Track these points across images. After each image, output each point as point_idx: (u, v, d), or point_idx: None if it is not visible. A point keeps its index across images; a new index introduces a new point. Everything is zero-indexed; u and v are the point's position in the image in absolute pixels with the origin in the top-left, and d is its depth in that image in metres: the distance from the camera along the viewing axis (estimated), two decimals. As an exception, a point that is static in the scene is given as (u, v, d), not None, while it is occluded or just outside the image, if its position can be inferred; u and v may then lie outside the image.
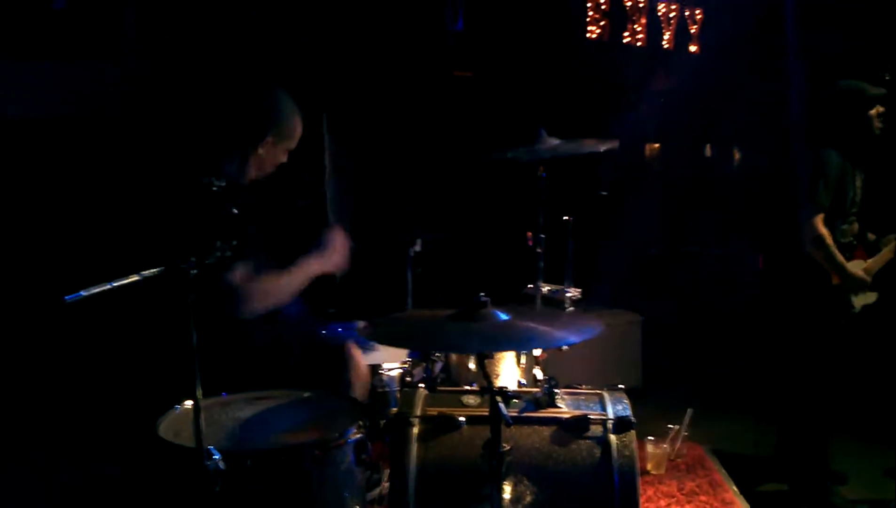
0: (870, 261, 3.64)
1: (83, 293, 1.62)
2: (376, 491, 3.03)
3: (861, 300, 3.63)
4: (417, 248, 3.64)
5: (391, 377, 3.12)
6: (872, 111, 3.60)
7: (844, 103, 3.62)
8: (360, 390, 2.90)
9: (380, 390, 3.09)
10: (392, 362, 3.17)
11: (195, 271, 1.82)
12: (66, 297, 1.60)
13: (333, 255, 2.91)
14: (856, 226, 3.67)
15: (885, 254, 3.67)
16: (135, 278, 1.75)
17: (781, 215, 3.89)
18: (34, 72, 4.63)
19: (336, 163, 3.09)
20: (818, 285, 3.61)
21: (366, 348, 3.10)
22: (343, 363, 2.85)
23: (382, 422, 2.92)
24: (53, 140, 4.56)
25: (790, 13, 4.38)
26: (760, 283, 5.54)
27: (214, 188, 1.96)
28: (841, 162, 3.57)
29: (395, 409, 2.66)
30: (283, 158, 2.94)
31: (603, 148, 3.13)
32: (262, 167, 2.88)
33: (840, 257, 3.55)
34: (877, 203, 3.81)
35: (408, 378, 3.14)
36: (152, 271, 1.78)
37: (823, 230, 3.52)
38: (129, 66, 4.83)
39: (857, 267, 3.59)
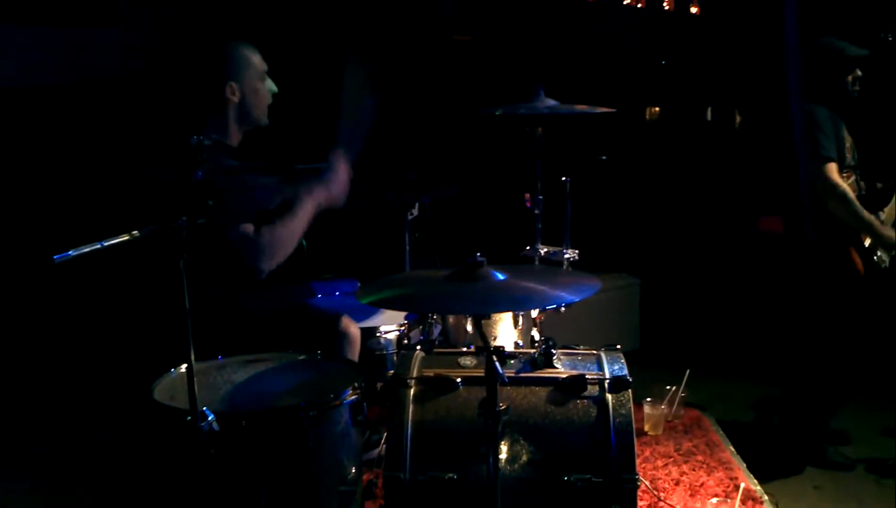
0: (887, 209, 3.59)
1: (72, 253, 1.60)
2: (374, 452, 3.04)
3: (888, 254, 3.58)
4: (415, 212, 3.62)
5: (388, 340, 3.12)
6: (850, 76, 3.57)
7: (822, 62, 3.59)
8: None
9: (377, 352, 3.09)
10: (389, 324, 3.16)
11: (186, 232, 1.81)
12: (55, 257, 1.58)
13: (336, 184, 2.87)
14: (863, 184, 3.61)
15: None
16: (125, 237, 1.73)
17: (787, 177, 3.85)
18: (26, 37, 4.58)
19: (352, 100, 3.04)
20: (845, 245, 3.54)
21: (360, 316, 3.09)
22: (335, 335, 2.84)
23: (379, 384, 2.93)
24: (45, 107, 4.53)
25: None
26: (769, 247, 5.52)
27: (207, 143, 1.93)
28: (830, 115, 3.53)
29: (391, 371, 2.66)
30: (268, 87, 2.90)
31: (598, 111, 3.10)
32: (250, 112, 2.85)
33: (867, 213, 3.47)
34: (877, 153, 3.78)
35: (405, 341, 3.14)
36: (142, 230, 1.76)
37: (842, 183, 3.43)
38: (121, 31, 4.79)
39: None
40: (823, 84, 3.60)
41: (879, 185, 3.71)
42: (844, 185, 3.46)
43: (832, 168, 3.45)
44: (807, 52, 3.67)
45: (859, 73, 3.60)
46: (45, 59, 4.62)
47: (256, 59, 2.90)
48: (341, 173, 2.89)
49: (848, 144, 3.60)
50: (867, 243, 3.55)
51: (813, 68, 3.62)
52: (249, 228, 2.60)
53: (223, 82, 2.81)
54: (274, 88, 2.94)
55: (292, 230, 2.71)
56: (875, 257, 3.58)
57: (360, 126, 2.94)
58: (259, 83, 2.89)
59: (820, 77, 3.60)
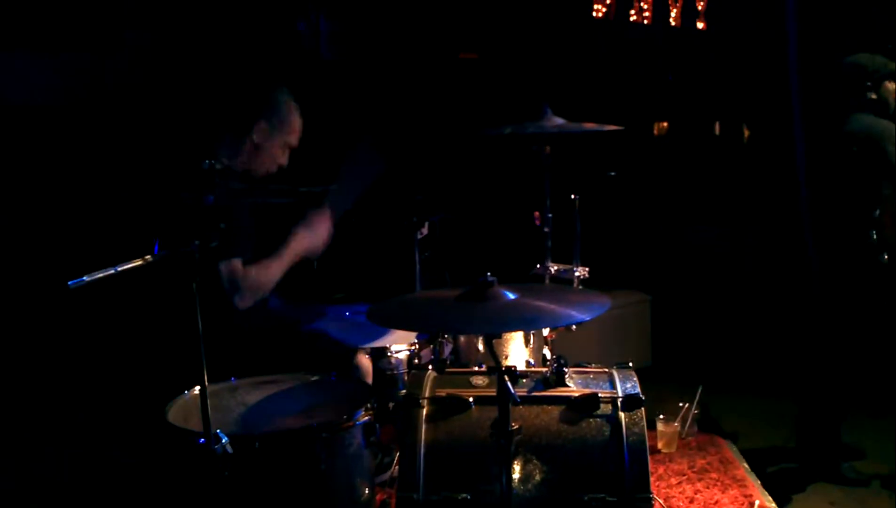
0: None
1: (86, 279, 1.61)
2: (387, 474, 3.04)
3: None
4: (425, 231, 3.63)
5: (399, 360, 3.12)
6: (891, 86, 3.54)
7: (861, 78, 3.55)
8: None
9: (388, 372, 3.09)
10: (400, 344, 3.16)
11: (198, 255, 1.82)
12: (70, 282, 1.60)
13: (318, 231, 2.94)
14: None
15: None
16: (138, 262, 1.74)
17: (789, 193, 3.85)
18: (35, 60, 4.64)
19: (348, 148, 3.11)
20: (840, 262, 3.52)
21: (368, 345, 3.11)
22: (348, 368, 2.87)
23: (391, 404, 2.93)
24: (53, 127, 4.57)
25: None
26: (771, 261, 5.51)
27: (218, 167, 1.95)
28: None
29: (403, 391, 2.66)
30: (283, 157, 2.94)
31: (606, 129, 3.11)
32: (259, 158, 2.89)
33: None
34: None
35: (416, 360, 3.14)
36: (155, 255, 1.77)
37: None
38: (126, 53, 4.84)
39: None
40: (870, 100, 3.53)
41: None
42: None
43: None
44: (837, 70, 3.64)
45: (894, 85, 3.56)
46: (50, 81, 4.68)
47: (297, 126, 2.95)
48: (324, 227, 2.96)
49: None
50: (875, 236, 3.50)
51: (858, 86, 3.56)
52: (238, 265, 2.65)
53: (256, 118, 2.85)
54: (285, 162, 2.98)
55: (274, 273, 2.81)
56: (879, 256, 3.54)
57: (354, 194, 3.01)
58: (281, 147, 2.94)
59: (866, 93, 3.54)
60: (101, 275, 1.67)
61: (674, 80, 7.04)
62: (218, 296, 2.65)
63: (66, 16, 4.68)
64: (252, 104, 2.87)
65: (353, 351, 2.92)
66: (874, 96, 3.54)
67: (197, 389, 2.27)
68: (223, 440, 1.92)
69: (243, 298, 2.70)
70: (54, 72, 4.66)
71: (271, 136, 2.88)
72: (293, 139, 2.95)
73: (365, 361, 2.96)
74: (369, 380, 2.93)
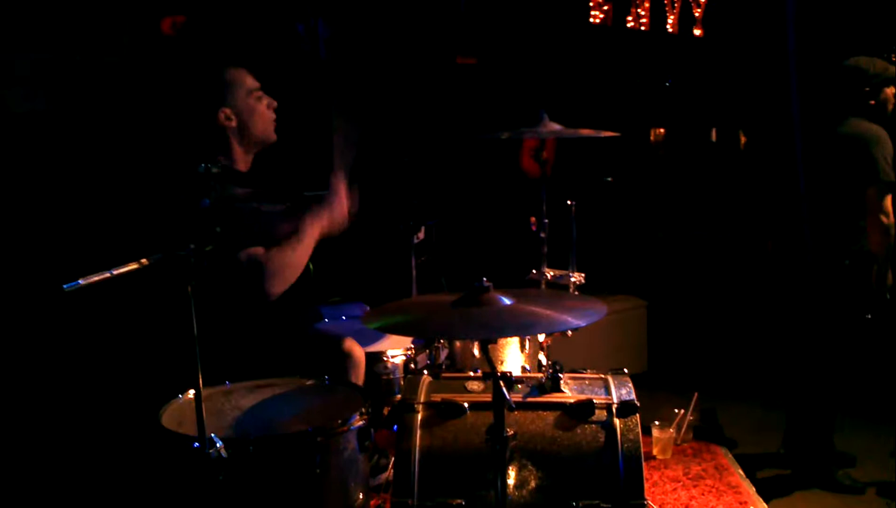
0: None
1: (81, 282, 1.61)
2: (382, 477, 3.03)
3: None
4: (421, 236, 3.63)
5: (395, 365, 3.12)
6: (889, 90, 3.54)
7: (861, 81, 3.55)
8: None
9: (384, 377, 3.09)
10: (396, 348, 3.16)
11: (194, 259, 1.82)
12: (65, 285, 1.59)
13: (339, 208, 2.84)
14: None
15: None
16: (134, 266, 1.74)
17: (787, 199, 3.85)
18: (34, 64, 4.62)
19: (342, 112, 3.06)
20: (838, 272, 3.53)
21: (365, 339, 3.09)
22: (339, 356, 2.84)
23: (387, 409, 2.92)
24: (51, 132, 4.56)
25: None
26: (770, 267, 5.51)
27: (214, 171, 1.95)
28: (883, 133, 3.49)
29: (399, 396, 2.65)
30: (267, 104, 2.88)
31: (602, 135, 3.12)
32: (252, 133, 2.85)
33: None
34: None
35: (412, 365, 3.13)
36: (151, 258, 1.77)
37: (893, 216, 3.39)
38: (127, 57, 4.82)
39: None
40: (864, 102, 3.55)
41: None
42: (892, 213, 3.41)
43: (889, 198, 3.41)
44: (836, 73, 3.65)
45: (894, 89, 3.58)
46: (49, 86, 4.66)
47: (247, 79, 2.86)
48: (342, 197, 2.87)
49: None
50: (874, 248, 3.50)
51: (849, 90, 3.57)
52: (259, 250, 2.60)
53: (215, 109, 2.79)
54: (273, 103, 2.91)
55: (299, 255, 2.69)
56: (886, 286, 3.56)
57: (352, 144, 2.93)
58: (255, 102, 2.85)
59: (859, 96, 3.56)
60: (96, 278, 1.66)
61: (671, 86, 7.05)
62: (245, 291, 2.60)
63: (61, 16, 4.67)
64: (205, 98, 2.82)
65: (341, 339, 2.87)
66: (872, 102, 3.55)
67: (191, 392, 2.28)
68: (217, 445, 1.91)
69: (275, 281, 2.61)
70: (46, 75, 4.65)
71: (239, 111, 2.83)
72: (255, 88, 2.86)
73: (357, 349, 2.91)
74: (361, 369, 2.89)
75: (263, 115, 2.88)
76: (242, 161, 2.87)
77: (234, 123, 2.82)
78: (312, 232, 2.75)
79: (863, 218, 3.45)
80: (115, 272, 1.70)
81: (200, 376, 1.88)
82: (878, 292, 3.52)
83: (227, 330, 2.68)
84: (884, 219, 3.39)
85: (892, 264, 3.50)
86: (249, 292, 2.60)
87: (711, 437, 4.03)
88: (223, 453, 1.91)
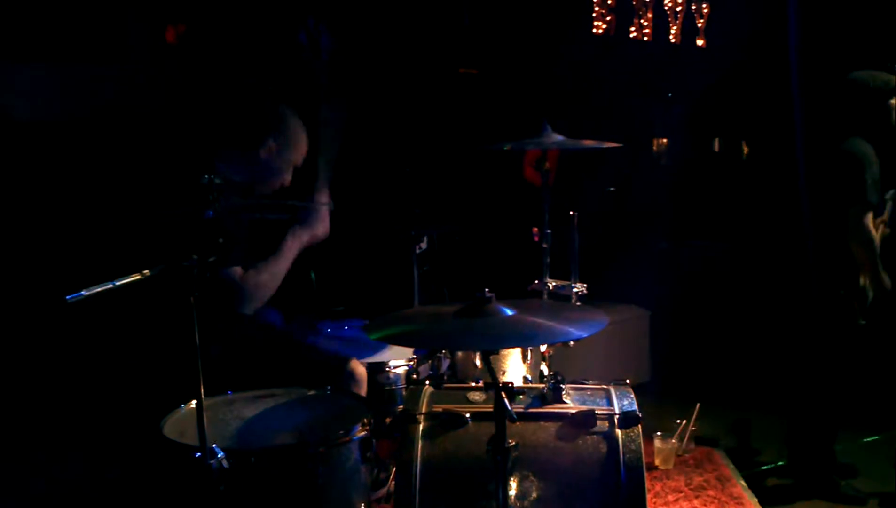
0: None
1: (84, 293, 1.62)
2: (384, 489, 3.03)
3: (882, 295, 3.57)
4: (423, 246, 3.64)
5: (397, 375, 3.12)
6: (893, 101, 3.55)
7: (862, 96, 3.56)
8: None
9: (386, 387, 3.09)
10: (398, 359, 3.16)
11: (197, 269, 1.82)
12: (68, 297, 1.60)
13: (319, 221, 2.93)
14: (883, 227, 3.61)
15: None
16: (136, 276, 1.75)
17: (789, 212, 3.86)
18: (38, 73, 4.64)
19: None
20: (839, 282, 3.54)
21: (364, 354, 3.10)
22: (342, 376, 2.86)
23: (388, 420, 2.92)
24: (57, 142, 4.58)
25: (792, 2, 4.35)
26: (771, 278, 5.51)
27: (217, 182, 1.96)
28: (875, 155, 3.49)
29: (401, 406, 2.65)
30: (288, 174, 2.95)
31: (605, 146, 3.13)
32: (266, 175, 2.90)
33: (880, 264, 3.47)
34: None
35: (414, 376, 3.14)
36: (154, 269, 1.78)
37: (874, 232, 3.42)
38: (132, 67, 4.84)
39: None
40: (865, 118, 3.55)
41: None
42: (875, 232, 3.44)
43: (870, 215, 3.43)
44: (835, 88, 3.66)
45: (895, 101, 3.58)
46: (53, 95, 4.68)
47: (304, 145, 2.96)
48: (324, 209, 2.95)
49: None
50: (863, 282, 3.53)
51: (851, 103, 3.58)
52: (238, 271, 2.65)
53: (265, 136, 2.86)
54: (288, 183, 2.99)
55: (276, 273, 2.80)
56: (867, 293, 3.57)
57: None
58: (288, 166, 2.95)
59: (859, 111, 3.56)
60: (99, 289, 1.67)
61: (673, 96, 7.06)
62: (218, 308, 2.64)
63: (66, 26, 4.69)
64: (261, 120, 2.88)
65: (346, 360, 2.90)
66: (876, 114, 3.56)
67: (193, 403, 2.28)
68: (219, 455, 1.91)
69: (248, 303, 2.69)
70: (55, 85, 4.67)
71: (279, 154, 2.89)
72: (299, 158, 2.96)
73: (360, 368, 2.94)
74: (363, 388, 2.91)
75: (281, 180, 2.98)
76: (241, 177, 2.91)
77: (265, 156, 2.89)
78: (292, 249, 2.85)
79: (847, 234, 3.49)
80: (117, 283, 1.70)
81: (202, 386, 1.89)
82: (871, 298, 3.53)
83: (228, 341, 2.69)
84: (865, 235, 3.42)
85: (877, 272, 3.49)
86: (222, 309, 2.64)
87: (741, 451, 4.02)
88: (225, 463, 1.91)
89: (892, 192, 3.68)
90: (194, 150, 2.97)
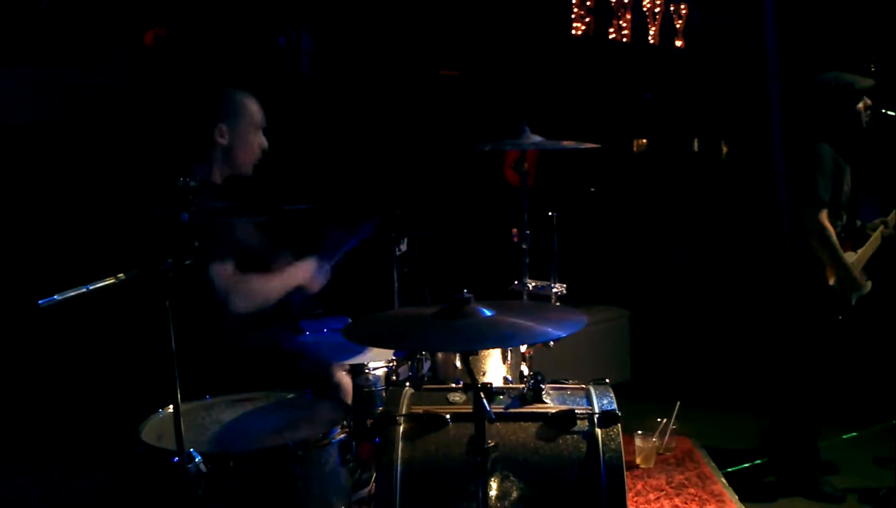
0: (860, 251, 3.63)
1: (57, 297, 1.60)
2: (364, 491, 3.02)
3: (856, 295, 3.61)
4: (404, 247, 3.63)
5: (377, 376, 3.11)
6: (860, 105, 3.59)
7: (832, 97, 3.60)
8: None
9: (366, 389, 3.08)
10: (378, 360, 3.15)
11: (172, 273, 1.81)
12: (40, 301, 1.58)
13: (314, 285, 2.96)
14: (845, 219, 3.65)
15: (874, 240, 3.67)
16: (111, 280, 1.73)
17: (767, 211, 3.89)
18: (13, 76, 4.61)
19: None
20: (817, 281, 3.58)
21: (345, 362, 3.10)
22: (327, 386, 2.86)
23: (369, 422, 2.91)
24: (33, 145, 4.54)
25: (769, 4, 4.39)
26: (750, 277, 5.56)
27: (193, 184, 1.95)
28: (834, 155, 3.56)
29: (381, 408, 2.64)
30: (259, 142, 2.93)
31: (584, 146, 3.14)
32: (232, 159, 2.88)
33: (843, 256, 3.52)
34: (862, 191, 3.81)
35: (394, 377, 3.13)
36: (129, 273, 1.76)
37: (829, 228, 3.49)
38: (109, 70, 4.82)
39: (849, 259, 3.57)
40: (833, 119, 3.60)
41: (859, 223, 3.74)
42: (830, 228, 3.49)
43: (824, 213, 3.49)
44: (806, 89, 3.70)
45: (869, 101, 3.62)
46: (31, 99, 4.64)
47: (255, 110, 2.93)
48: (320, 277, 2.98)
49: (846, 188, 3.62)
50: (832, 281, 3.56)
51: (820, 104, 3.62)
52: (229, 268, 2.63)
53: (213, 122, 2.83)
54: (265, 144, 2.97)
55: (268, 289, 2.78)
56: (848, 293, 3.60)
57: (336, 256, 3.06)
58: (252, 134, 2.91)
59: (828, 112, 3.61)
60: (72, 294, 1.65)
61: (653, 97, 7.09)
62: (207, 307, 2.62)
63: (43, 30, 4.66)
64: (206, 109, 2.86)
65: (332, 368, 2.91)
66: (841, 115, 3.60)
67: (171, 407, 2.26)
68: (197, 459, 1.90)
69: (240, 301, 2.66)
70: (31, 88, 4.64)
71: (234, 134, 2.87)
72: (257, 124, 2.93)
73: (345, 378, 2.95)
74: (349, 398, 2.92)
75: (253, 149, 2.94)
76: (218, 176, 2.89)
77: (224, 142, 2.86)
78: (291, 278, 2.86)
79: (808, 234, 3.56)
80: (91, 288, 1.69)
81: (179, 390, 1.87)
82: (844, 294, 3.56)
83: (207, 344, 2.68)
84: (819, 231, 3.49)
85: (844, 269, 3.53)
86: (212, 308, 2.62)
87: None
88: (203, 467, 1.90)
89: None
90: (171, 152, 2.95)
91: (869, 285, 3.63)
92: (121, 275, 1.75)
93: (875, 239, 3.68)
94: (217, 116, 2.84)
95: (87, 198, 4.40)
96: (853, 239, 3.65)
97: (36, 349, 4.32)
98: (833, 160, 3.55)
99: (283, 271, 2.86)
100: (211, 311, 2.67)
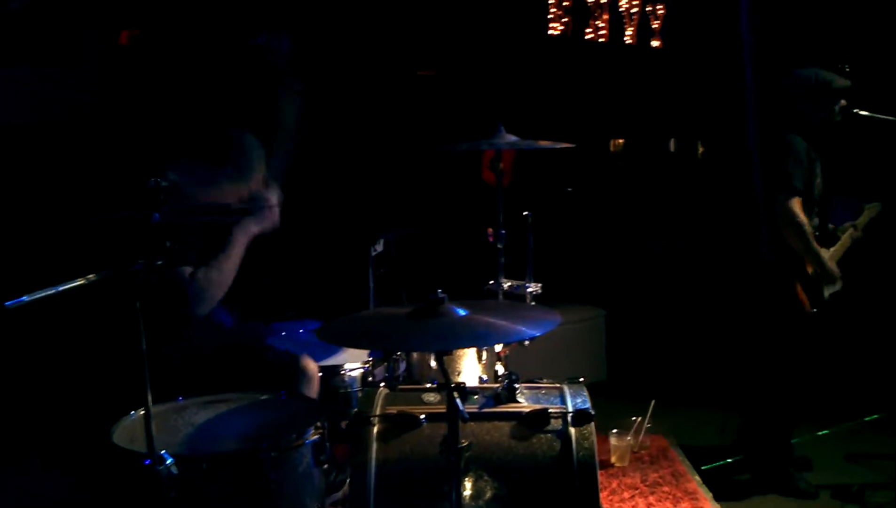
0: (831, 250, 3.67)
1: (25, 299, 1.58)
2: (339, 493, 3.01)
3: (829, 289, 3.65)
4: (379, 248, 3.63)
5: (353, 377, 3.10)
6: (836, 106, 3.63)
7: (808, 92, 3.63)
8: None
9: (341, 390, 3.07)
10: (354, 362, 3.15)
11: (143, 274, 1.80)
12: (7, 303, 1.56)
13: (269, 216, 2.92)
14: (817, 222, 3.68)
15: (843, 242, 3.71)
16: (80, 281, 1.72)
17: (744, 206, 3.92)
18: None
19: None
20: (792, 273, 3.61)
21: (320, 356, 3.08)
22: (294, 374, 2.83)
23: (344, 423, 2.91)
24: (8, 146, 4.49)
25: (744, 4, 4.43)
26: (724, 274, 5.59)
27: (164, 185, 1.93)
28: (806, 147, 3.59)
29: (356, 409, 2.64)
30: (233, 198, 2.93)
31: (560, 146, 3.15)
32: (217, 194, 2.87)
33: (817, 246, 3.55)
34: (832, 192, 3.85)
35: (369, 378, 3.13)
36: (99, 274, 1.75)
37: (802, 217, 3.50)
38: (83, 70, 4.77)
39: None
40: (805, 113, 3.63)
41: (831, 226, 3.78)
42: (804, 217, 3.52)
43: (797, 201, 3.51)
44: (782, 83, 3.73)
45: (844, 102, 3.66)
46: (3, 98, 4.59)
47: (260, 165, 2.95)
48: (272, 202, 2.93)
49: (818, 181, 3.66)
50: (810, 271, 3.60)
51: (796, 99, 3.65)
52: (187, 271, 2.62)
53: (228, 161, 2.86)
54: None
55: (226, 269, 2.75)
56: (821, 289, 3.63)
57: (290, 151, 3.00)
58: (238, 190, 2.90)
59: (803, 105, 3.64)
60: (41, 295, 1.64)
61: (630, 97, 7.12)
62: (167, 311, 2.61)
63: (17, 28, 4.60)
64: (223, 148, 2.86)
65: (296, 358, 2.88)
66: (816, 110, 3.63)
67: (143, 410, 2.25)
68: (168, 462, 1.89)
69: (200, 303, 2.66)
70: (10, 88, 4.59)
71: (232, 180, 2.87)
72: (247, 186, 2.93)
73: (311, 365, 2.91)
74: (315, 385, 2.89)
75: (227, 198, 2.91)
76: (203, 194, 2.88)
77: (225, 178, 2.87)
78: (241, 243, 2.81)
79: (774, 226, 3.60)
80: (60, 289, 1.67)
81: (150, 392, 1.86)
82: (818, 285, 3.60)
83: (179, 345, 2.66)
84: (793, 219, 3.51)
85: (818, 259, 3.57)
86: (174, 310, 2.61)
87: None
88: (174, 470, 1.89)
89: (874, 204, 3.81)
90: (145, 153, 2.93)
91: (840, 283, 3.67)
92: (91, 276, 1.74)
93: (844, 241, 3.72)
94: (228, 161, 2.87)
95: (57, 200, 4.35)
96: (824, 242, 3.68)
97: (4, 352, 4.27)
98: (805, 151, 3.58)
99: (232, 247, 2.80)
100: (178, 312, 2.66)
